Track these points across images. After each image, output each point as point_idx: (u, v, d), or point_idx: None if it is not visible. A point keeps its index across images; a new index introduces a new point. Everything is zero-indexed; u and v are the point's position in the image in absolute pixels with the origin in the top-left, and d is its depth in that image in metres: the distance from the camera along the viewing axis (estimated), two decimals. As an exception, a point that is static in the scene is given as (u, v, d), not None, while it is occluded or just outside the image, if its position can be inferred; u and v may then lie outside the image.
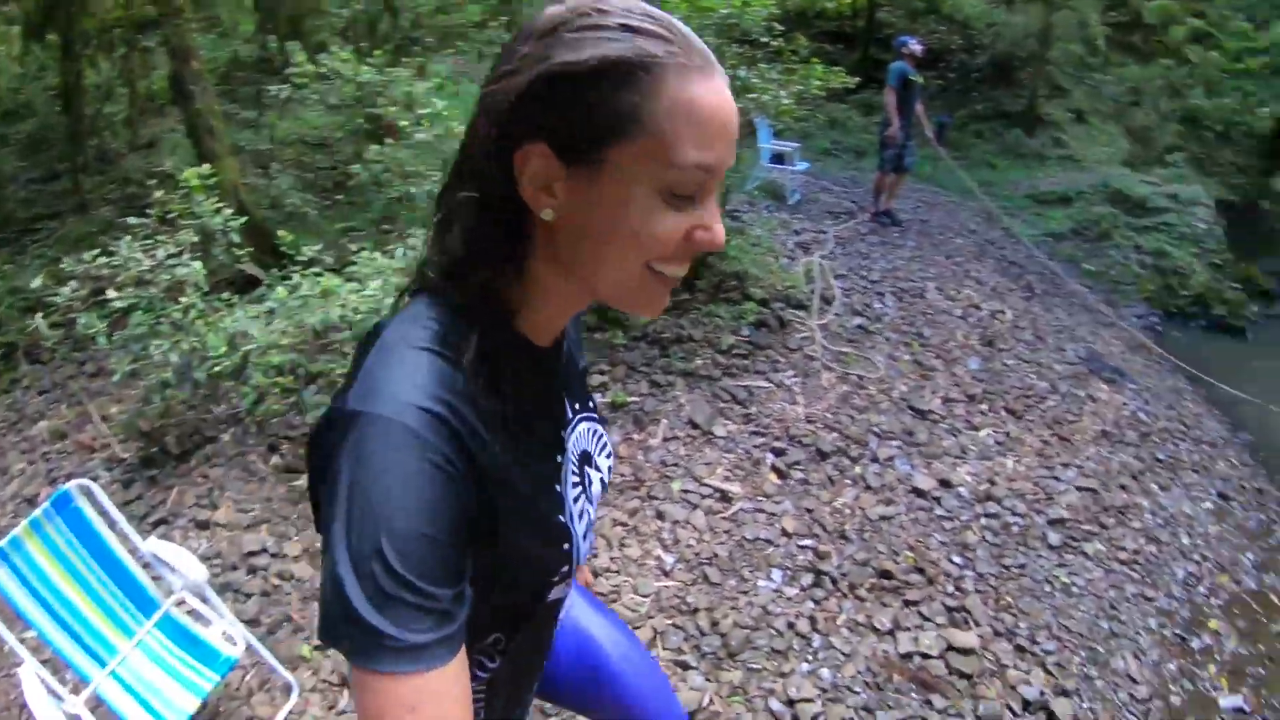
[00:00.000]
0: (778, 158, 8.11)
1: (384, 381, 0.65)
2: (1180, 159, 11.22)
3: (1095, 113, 12.23)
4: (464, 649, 0.65)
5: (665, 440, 3.87)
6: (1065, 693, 3.17)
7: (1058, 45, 12.22)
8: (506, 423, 0.72)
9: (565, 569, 0.84)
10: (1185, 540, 4.50)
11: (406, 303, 0.75)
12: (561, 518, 0.82)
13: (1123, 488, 4.62)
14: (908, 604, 3.20)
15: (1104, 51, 12.70)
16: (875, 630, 3.05)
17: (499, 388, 0.71)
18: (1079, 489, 4.37)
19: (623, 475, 3.62)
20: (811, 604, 3.14)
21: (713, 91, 0.66)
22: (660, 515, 3.41)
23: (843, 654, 2.92)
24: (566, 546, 0.83)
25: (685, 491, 3.56)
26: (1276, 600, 4.40)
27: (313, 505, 0.70)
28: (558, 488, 0.83)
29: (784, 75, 4.85)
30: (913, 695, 2.82)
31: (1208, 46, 12.21)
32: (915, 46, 7.44)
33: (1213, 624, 4.02)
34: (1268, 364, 8.63)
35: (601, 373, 4.30)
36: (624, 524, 3.36)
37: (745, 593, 3.10)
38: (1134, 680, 3.40)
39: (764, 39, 4.75)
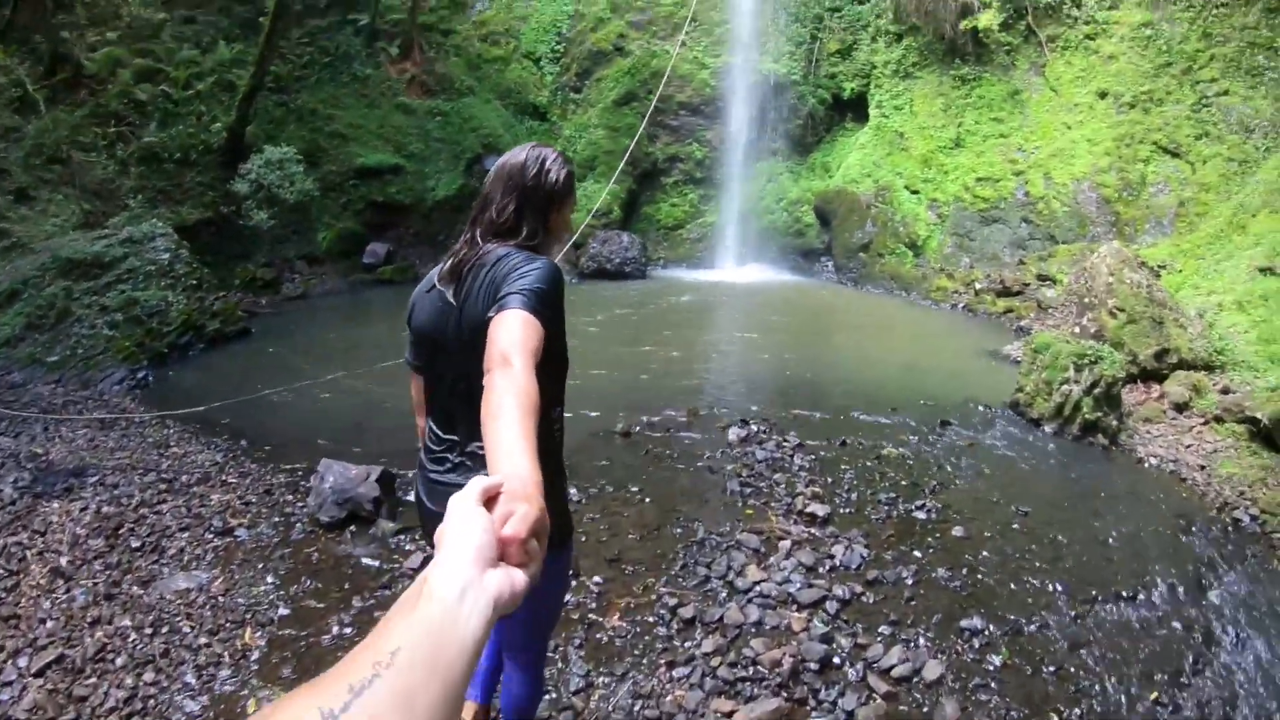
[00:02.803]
0: None
1: (543, 259, 1.79)
2: (142, 199, 10.49)
3: (43, 184, 10.37)
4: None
5: None
6: None
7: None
8: None
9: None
10: (187, 629, 3.41)
11: (492, 246, 1.86)
12: None
13: (94, 622, 3.32)
14: None
15: (44, 114, 10.76)
16: None
17: None
18: (38, 674, 2.97)
19: None
20: None
21: None
22: None
23: None
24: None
25: None
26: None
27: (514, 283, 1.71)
28: None
29: None
30: None
31: (157, 82, 11.55)
32: None
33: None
34: (278, 341, 8.83)
35: None
36: None
37: None
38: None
39: None
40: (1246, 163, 11.34)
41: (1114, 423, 6.08)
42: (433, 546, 1.22)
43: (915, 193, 13.69)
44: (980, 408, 6.61)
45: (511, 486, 0.83)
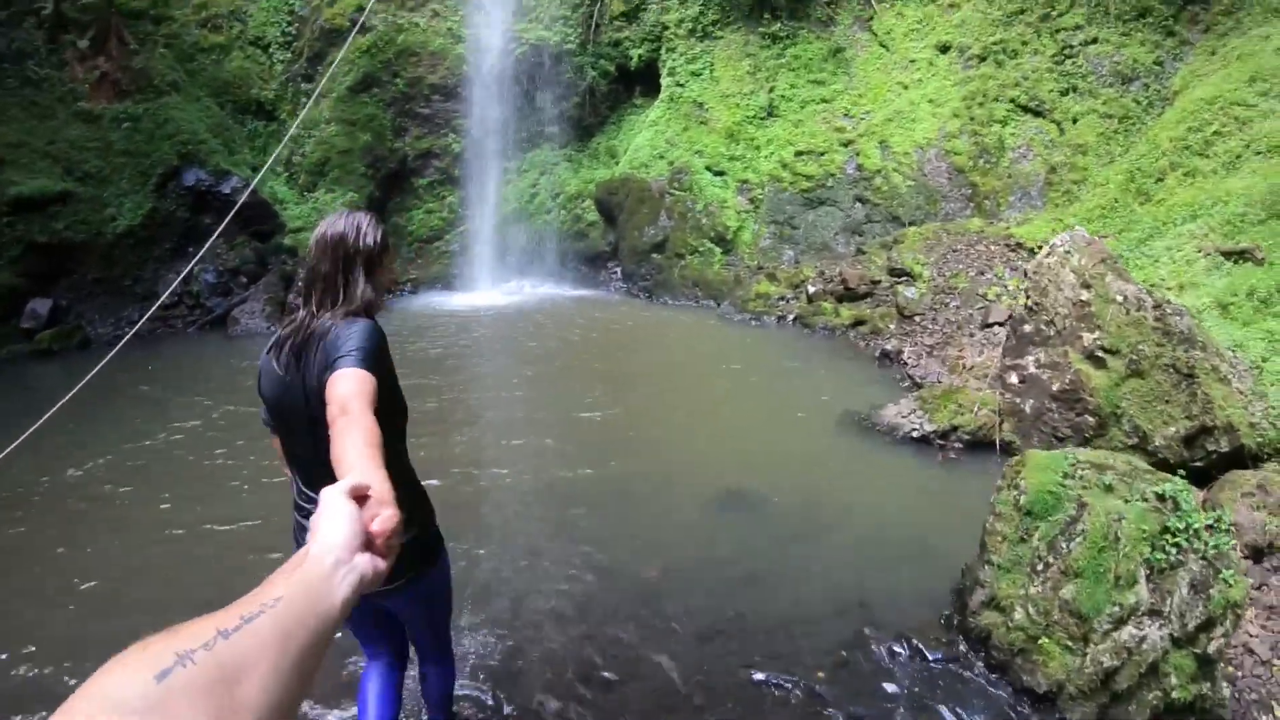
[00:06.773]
0: None
1: (362, 321, 1.74)
2: None
3: None
4: None
5: None
6: None
7: None
8: None
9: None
10: None
11: (325, 318, 1.78)
12: None
13: None
14: None
15: None
16: None
17: None
18: None
19: None
20: None
21: None
22: None
23: None
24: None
25: None
26: None
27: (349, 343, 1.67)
28: None
29: None
30: None
31: None
32: None
33: None
34: None
35: None
36: None
37: None
38: None
39: None
40: (1128, 119, 8.45)
41: (1222, 693, 2.45)
42: None
43: (720, 174, 10.12)
44: (897, 650, 2.78)
45: (378, 493, 0.91)
